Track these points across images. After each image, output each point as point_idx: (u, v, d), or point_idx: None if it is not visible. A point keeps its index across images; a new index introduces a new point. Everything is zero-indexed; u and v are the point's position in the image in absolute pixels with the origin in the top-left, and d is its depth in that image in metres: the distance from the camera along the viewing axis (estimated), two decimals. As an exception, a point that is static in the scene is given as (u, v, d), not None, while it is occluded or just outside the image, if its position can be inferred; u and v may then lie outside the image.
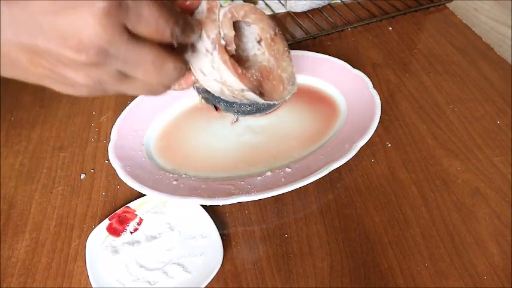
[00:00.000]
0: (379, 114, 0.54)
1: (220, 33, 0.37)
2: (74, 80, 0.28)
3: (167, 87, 0.32)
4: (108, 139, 0.56)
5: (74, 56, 0.26)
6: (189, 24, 0.32)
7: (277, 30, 0.41)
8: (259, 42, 0.42)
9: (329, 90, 0.61)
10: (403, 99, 0.62)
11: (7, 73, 0.29)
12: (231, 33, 0.37)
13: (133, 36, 0.27)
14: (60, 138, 0.59)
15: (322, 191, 0.51)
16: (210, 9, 0.36)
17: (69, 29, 0.25)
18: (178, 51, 0.32)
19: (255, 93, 0.38)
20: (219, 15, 0.37)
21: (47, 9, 0.25)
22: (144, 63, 0.29)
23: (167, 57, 0.30)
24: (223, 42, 0.37)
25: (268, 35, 0.40)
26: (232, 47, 0.38)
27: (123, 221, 0.48)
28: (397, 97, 0.63)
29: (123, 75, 0.29)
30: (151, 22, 0.27)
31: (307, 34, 0.74)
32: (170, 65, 0.30)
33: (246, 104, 0.55)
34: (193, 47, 0.36)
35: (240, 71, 0.37)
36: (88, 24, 0.25)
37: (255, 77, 0.39)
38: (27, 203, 0.51)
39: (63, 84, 0.29)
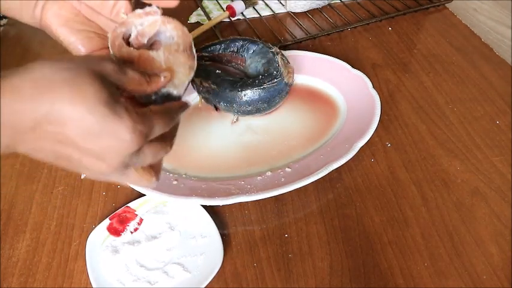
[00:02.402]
0: (379, 114, 0.54)
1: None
2: (87, 170, 0.33)
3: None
4: (108, 139, 0.56)
5: (100, 168, 0.32)
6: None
7: (188, 52, 0.45)
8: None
9: (329, 90, 0.61)
10: (403, 99, 0.62)
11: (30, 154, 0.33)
12: (151, 31, 0.44)
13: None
14: (61, 138, 0.59)
15: (322, 191, 0.51)
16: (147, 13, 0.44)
17: (100, 151, 0.31)
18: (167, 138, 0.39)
19: (115, 57, 0.43)
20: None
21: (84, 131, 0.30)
22: (146, 158, 0.35)
23: (160, 147, 0.37)
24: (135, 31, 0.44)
25: (176, 47, 0.45)
26: (144, 39, 0.44)
27: (124, 221, 0.48)
28: (396, 97, 0.63)
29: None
30: (158, 133, 0.35)
31: (307, 34, 0.74)
32: (162, 153, 0.37)
33: (246, 104, 0.55)
34: None
35: (117, 43, 0.43)
36: (120, 152, 0.32)
37: (132, 54, 0.43)
38: (28, 202, 0.51)
39: (76, 168, 0.34)
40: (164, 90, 0.44)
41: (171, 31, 0.46)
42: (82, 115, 0.30)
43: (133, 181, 0.37)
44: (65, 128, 0.30)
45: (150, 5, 0.46)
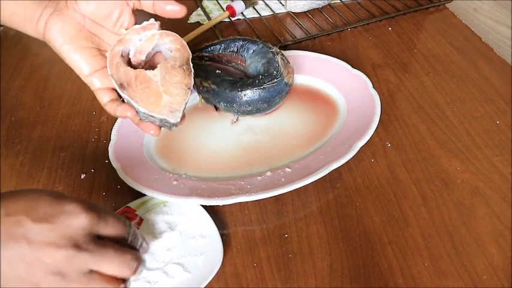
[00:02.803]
0: (379, 114, 0.54)
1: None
2: (44, 283, 0.34)
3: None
4: (108, 139, 0.56)
5: (56, 254, 0.33)
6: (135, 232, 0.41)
7: (185, 67, 0.45)
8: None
9: (329, 90, 0.61)
10: (403, 99, 0.62)
11: None
12: (149, 47, 0.45)
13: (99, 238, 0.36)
14: (61, 138, 0.59)
15: (322, 191, 0.51)
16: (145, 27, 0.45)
17: (55, 230, 0.33)
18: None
19: (112, 77, 0.43)
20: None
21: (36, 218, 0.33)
22: (108, 257, 0.36)
23: (126, 250, 0.37)
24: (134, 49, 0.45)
25: (173, 62, 0.45)
26: (142, 56, 0.45)
27: (123, 221, 0.48)
28: (396, 97, 0.63)
29: (90, 272, 0.35)
30: (115, 227, 0.37)
31: (307, 34, 0.74)
32: (129, 257, 0.37)
33: (246, 104, 0.55)
34: None
35: (115, 61, 0.43)
36: (71, 228, 0.34)
37: (128, 74, 0.44)
38: (28, 203, 0.51)
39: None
40: (160, 117, 0.44)
41: (170, 44, 0.46)
42: (32, 198, 0.34)
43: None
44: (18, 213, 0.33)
45: (154, 16, 0.45)
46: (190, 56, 0.46)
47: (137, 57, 0.45)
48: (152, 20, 0.45)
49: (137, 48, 0.45)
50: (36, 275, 0.33)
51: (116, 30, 0.45)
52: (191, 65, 0.45)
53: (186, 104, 0.44)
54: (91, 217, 0.34)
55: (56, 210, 0.34)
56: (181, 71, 0.44)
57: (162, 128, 0.46)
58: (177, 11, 0.44)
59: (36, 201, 0.34)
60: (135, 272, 0.38)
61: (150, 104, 0.43)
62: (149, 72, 0.44)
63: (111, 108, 0.45)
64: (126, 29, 0.45)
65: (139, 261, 0.38)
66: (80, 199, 0.36)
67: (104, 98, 0.45)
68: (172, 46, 0.45)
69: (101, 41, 0.46)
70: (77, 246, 0.33)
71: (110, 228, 0.36)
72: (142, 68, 0.45)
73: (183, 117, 0.45)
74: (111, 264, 0.36)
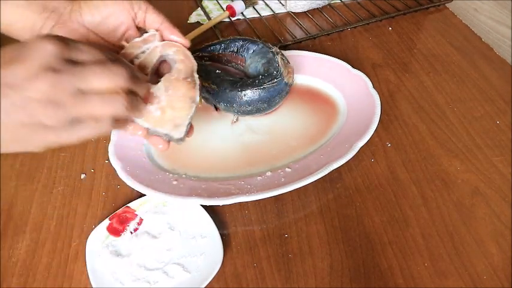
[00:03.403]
0: (379, 114, 0.54)
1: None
2: (47, 119, 0.33)
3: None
4: (108, 139, 0.56)
5: (36, 84, 0.32)
6: (122, 63, 0.37)
7: (189, 79, 0.43)
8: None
9: (329, 90, 0.61)
10: (403, 99, 0.62)
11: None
12: (152, 60, 0.44)
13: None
14: (60, 138, 0.59)
15: (322, 191, 0.51)
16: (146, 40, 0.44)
17: (25, 67, 0.31)
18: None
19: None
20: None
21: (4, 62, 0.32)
22: (91, 71, 0.33)
23: (108, 61, 0.35)
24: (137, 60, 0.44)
25: (176, 74, 0.43)
26: (146, 70, 0.44)
27: (123, 221, 0.48)
28: (397, 97, 0.63)
29: (82, 92, 0.33)
30: (91, 53, 0.34)
31: (307, 34, 0.74)
32: (113, 66, 0.35)
33: (246, 104, 0.55)
34: None
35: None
36: (38, 55, 0.32)
37: None
38: (28, 203, 0.51)
39: (41, 129, 0.33)
40: (164, 132, 0.42)
41: (173, 55, 0.45)
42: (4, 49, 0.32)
43: (98, 106, 0.34)
44: None
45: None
46: (196, 67, 0.45)
47: (145, 70, 0.44)
48: (152, 31, 0.45)
49: (141, 64, 0.44)
50: (34, 113, 0.32)
51: (123, 43, 0.45)
52: (196, 76, 0.44)
53: (191, 117, 0.43)
54: (57, 43, 0.32)
55: (21, 49, 0.32)
56: (185, 84, 0.43)
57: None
58: (180, 42, 0.45)
59: (1, 49, 0.32)
60: (130, 79, 0.36)
61: (154, 119, 0.42)
62: (153, 88, 0.43)
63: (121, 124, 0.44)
64: (127, 42, 0.45)
65: (130, 68, 0.36)
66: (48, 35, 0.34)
67: None
68: (176, 57, 0.44)
69: None
70: (54, 70, 0.32)
71: (85, 54, 0.34)
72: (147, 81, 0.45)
73: (191, 128, 0.43)
74: (99, 76, 0.34)
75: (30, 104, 0.32)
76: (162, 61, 0.46)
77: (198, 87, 0.43)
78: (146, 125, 0.42)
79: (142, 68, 0.44)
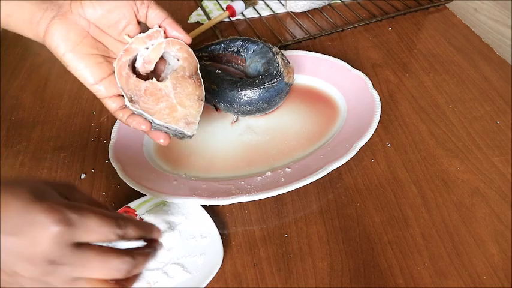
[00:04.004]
0: (379, 114, 0.54)
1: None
2: None
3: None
4: (108, 139, 0.56)
5: (28, 270, 0.30)
6: (132, 223, 0.34)
7: (194, 77, 0.44)
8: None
9: (329, 90, 0.61)
10: (403, 99, 0.62)
11: None
12: (157, 56, 0.44)
13: (79, 245, 0.31)
14: (60, 138, 0.59)
15: (322, 191, 0.51)
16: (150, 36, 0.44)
17: (22, 245, 0.29)
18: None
19: (122, 90, 0.42)
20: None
21: (5, 230, 0.29)
22: (90, 265, 0.32)
23: (113, 254, 0.32)
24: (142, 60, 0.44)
25: (182, 72, 0.44)
26: (151, 66, 0.45)
27: (123, 221, 0.48)
28: (397, 97, 0.63)
29: (75, 279, 0.32)
30: (97, 232, 0.31)
31: (307, 34, 0.74)
32: (115, 262, 0.32)
33: (246, 104, 0.55)
34: None
35: (123, 73, 0.43)
36: (40, 244, 0.29)
37: (139, 86, 0.43)
38: (28, 203, 0.51)
39: None
40: (176, 128, 0.43)
41: (177, 53, 0.45)
42: (5, 208, 0.29)
43: None
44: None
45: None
46: (198, 65, 0.45)
47: (145, 68, 0.45)
48: (156, 27, 0.45)
49: (145, 59, 0.44)
50: (20, 284, 0.31)
51: (121, 39, 0.44)
52: (200, 74, 0.45)
53: (200, 115, 0.44)
54: (62, 229, 0.30)
55: (24, 221, 0.29)
56: (191, 82, 0.44)
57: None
58: (182, 38, 0.45)
59: (6, 208, 0.30)
60: (130, 273, 0.33)
61: (165, 116, 0.43)
62: (160, 84, 0.43)
63: (123, 117, 0.44)
64: (130, 37, 0.44)
65: (130, 263, 0.33)
66: (58, 201, 0.31)
67: (113, 105, 0.44)
68: (180, 54, 0.45)
69: (105, 48, 0.44)
70: (52, 262, 0.30)
71: (92, 235, 0.32)
72: (147, 76, 0.45)
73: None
74: (95, 271, 0.32)
75: (18, 277, 0.31)
76: (160, 59, 0.46)
77: (203, 85, 0.44)
78: (157, 122, 0.42)
79: (147, 62, 0.45)
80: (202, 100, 0.44)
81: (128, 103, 0.43)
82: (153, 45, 0.44)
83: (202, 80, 0.44)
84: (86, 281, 0.32)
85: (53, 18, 0.42)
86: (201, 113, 0.44)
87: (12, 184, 0.31)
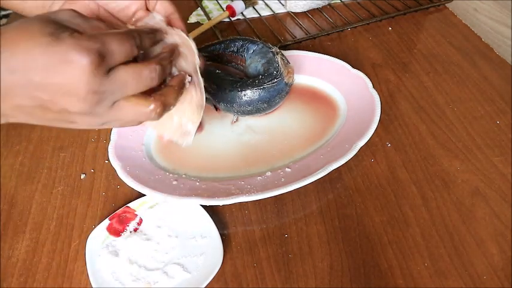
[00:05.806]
0: (379, 114, 0.54)
1: None
2: (79, 121, 0.35)
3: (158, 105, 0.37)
4: (108, 139, 0.56)
5: (77, 106, 0.33)
6: (143, 32, 0.37)
7: (194, 79, 0.42)
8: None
9: (329, 90, 0.61)
10: (403, 99, 0.62)
11: (23, 119, 0.34)
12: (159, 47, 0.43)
13: (111, 69, 0.33)
14: (60, 138, 0.59)
15: (322, 191, 0.51)
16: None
17: (64, 84, 0.31)
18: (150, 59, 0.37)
19: None
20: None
21: (38, 66, 0.31)
22: (127, 83, 0.34)
23: (141, 66, 0.35)
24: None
25: (184, 57, 0.42)
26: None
27: (123, 221, 0.48)
28: (396, 97, 0.63)
29: (116, 103, 0.35)
30: (121, 51, 0.34)
31: (307, 34, 0.74)
32: (146, 71, 0.35)
33: (246, 104, 0.55)
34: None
35: None
36: (80, 79, 0.31)
37: None
38: (28, 203, 0.51)
39: (70, 123, 0.35)
40: (170, 138, 0.42)
41: (177, 40, 0.43)
42: (29, 50, 0.30)
43: (130, 115, 0.36)
44: (23, 71, 0.31)
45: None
46: (198, 64, 0.41)
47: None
48: (158, 16, 0.44)
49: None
50: (73, 120, 0.34)
51: (129, 26, 0.43)
52: (200, 75, 0.41)
53: (197, 125, 0.42)
54: (93, 59, 0.31)
55: (56, 61, 0.31)
56: (191, 88, 0.41)
57: None
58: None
59: (30, 52, 0.31)
60: (161, 78, 0.36)
61: (160, 126, 0.41)
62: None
63: None
64: (133, 26, 0.44)
65: (158, 69, 0.36)
66: (75, 35, 0.32)
67: None
68: (180, 42, 0.43)
69: None
70: (95, 92, 0.32)
71: (118, 56, 0.33)
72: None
73: (200, 125, 0.43)
74: (133, 86, 0.34)
75: (73, 116, 0.34)
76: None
77: (203, 90, 0.41)
78: (153, 130, 0.42)
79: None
80: (201, 108, 0.41)
81: None
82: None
83: (202, 82, 0.41)
84: (125, 99, 0.35)
85: (65, 3, 0.42)
86: (199, 124, 0.42)
87: (22, 25, 0.32)
